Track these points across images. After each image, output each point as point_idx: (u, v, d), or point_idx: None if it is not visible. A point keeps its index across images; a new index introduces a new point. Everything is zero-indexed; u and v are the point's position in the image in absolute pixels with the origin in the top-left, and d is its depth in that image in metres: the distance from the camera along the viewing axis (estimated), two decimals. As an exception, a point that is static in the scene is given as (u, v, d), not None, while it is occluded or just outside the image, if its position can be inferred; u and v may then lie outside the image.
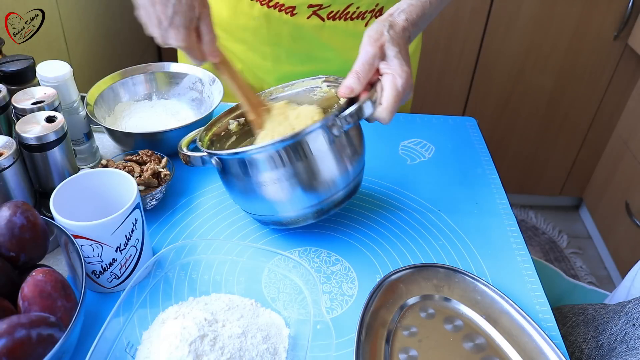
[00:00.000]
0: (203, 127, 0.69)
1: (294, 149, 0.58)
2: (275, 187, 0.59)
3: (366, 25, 0.84)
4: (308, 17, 0.82)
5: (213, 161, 0.61)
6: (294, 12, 0.82)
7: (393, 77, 0.59)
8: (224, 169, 0.62)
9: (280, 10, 0.82)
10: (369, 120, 0.61)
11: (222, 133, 0.70)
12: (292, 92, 0.72)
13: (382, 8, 0.83)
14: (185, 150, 0.65)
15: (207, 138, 0.69)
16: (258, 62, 0.90)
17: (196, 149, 0.65)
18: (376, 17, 0.84)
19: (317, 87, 0.71)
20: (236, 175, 0.61)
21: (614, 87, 1.71)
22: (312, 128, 0.57)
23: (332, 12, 0.82)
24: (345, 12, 0.82)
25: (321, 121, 0.57)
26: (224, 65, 0.64)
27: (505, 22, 1.61)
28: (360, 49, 0.61)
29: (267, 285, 0.61)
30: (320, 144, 0.59)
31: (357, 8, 0.82)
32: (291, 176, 0.59)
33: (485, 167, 0.82)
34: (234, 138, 0.70)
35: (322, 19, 0.82)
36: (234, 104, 0.70)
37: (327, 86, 0.70)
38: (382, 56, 0.60)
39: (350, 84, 0.60)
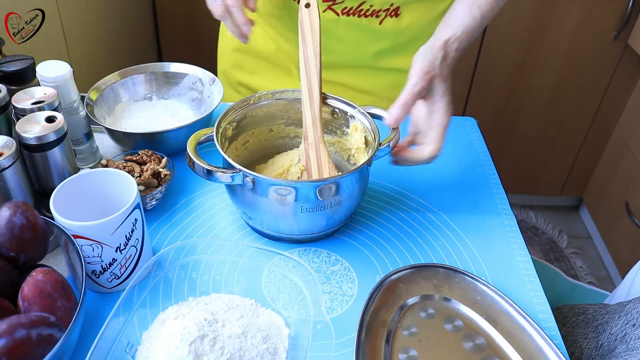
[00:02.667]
0: (216, 135, 0.65)
1: (342, 182, 0.61)
2: (315, 213, 0.62)
3: (380, 23, 0.85)
4: (324, 11, 0.83)
5: (248, 179, 0.60)
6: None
7: (441, 118, 0.63)
8: (255, 189, 0.61)
9: (298, 2, 0.83)
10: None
11: (224, 140, 0.70)
12: (281, 99, 0.73)
13: (397, 8, 0.84)
14: (196, 159, 0.61)
15: (233, 153, 0.72)
16: (285, 46, 0.93)
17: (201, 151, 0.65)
18: (391, 17, 0.84)
19: None
20: (271, 198, 0.61)
21: (614, 87, 1.71)
22: (362, 164, 0.62)
23: (345, 7, 0.83)
24: (358, 9, 0.83)
25: (369, 157, 0.63)
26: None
27: (505, 22, 1.61)
28: (409, 76, 0.64)
29: (267, 285, 0.61)
30: (358, 178, 0.63)
31: (371, 6, 0.83)
32: (333, 204, 0.62)
33: (485, 167, 0.82)
34: (227, 144, 0.70)
35: (337, 14, 0.83)
36: (231, 104, 0.70)
37: (322, 102, 0.72)
38: (429, 89, 0.64)
39: (399, 115, 0.63)
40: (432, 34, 0.93)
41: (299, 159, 0.70)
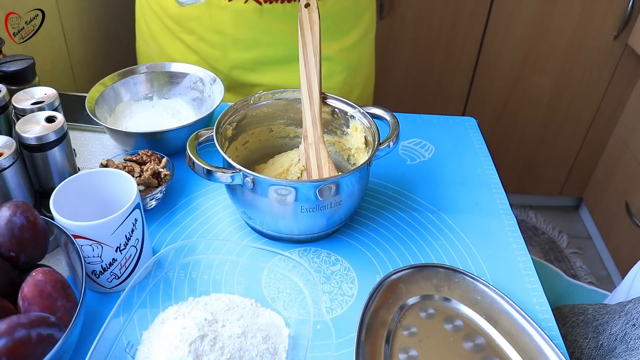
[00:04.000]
0: (216, 135, 0.65)
1: (342, 182, 0.61)
2: (315, 213, 0.62)
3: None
4: (245, 2, 0.82)
5: (248, 179, 0.60)
6: None
7: None
8: (255, 189, 0.61)
9: None
10: None
11: (224, 140, 0.70)
12: (281, 99, 0.73)
13: None
14: (195, 159, 0.61)
15: (233, 153, 0.72)
16: (208, 51, 0.91)
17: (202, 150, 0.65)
18: None
19: None
20: (271, 198, 0.61)
21: (614, 87, 1.71)
22: (362, 164, 0.62)
23: None
24: None
25: (369, 157, 0.63)
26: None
27: (505, 22, 1.61)
28: None
29: (267, 286, 0.61)
30: (358, 178, 0.63)
31: None
32: (333, 204, 0.62)
33: (485, 167, 0.82)
34: (227, 144, 0.70)
35: (260, 3, 0.83)
36: (231, 104, 0.71)
37: (322, 102, 0.72)
38: None
39: None
40: (356, 14, 0.92)
41: (299, 159, 0.70)
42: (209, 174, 0.60)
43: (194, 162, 0.61)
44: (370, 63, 1.03)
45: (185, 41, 0.91)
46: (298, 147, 0.77)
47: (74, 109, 0.86)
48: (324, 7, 0.86)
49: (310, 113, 0.68)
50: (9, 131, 0.68)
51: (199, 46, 0.91)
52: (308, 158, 0.68)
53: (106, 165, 0.69)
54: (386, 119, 0.69)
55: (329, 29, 0.89)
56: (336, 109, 0.72)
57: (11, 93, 0.66)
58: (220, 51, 0.90)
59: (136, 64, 0.86)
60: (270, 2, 0.83)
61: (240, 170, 0.60)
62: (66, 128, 0.63)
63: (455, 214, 0.73)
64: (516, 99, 1.76)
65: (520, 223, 2.01)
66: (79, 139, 0.83)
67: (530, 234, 1.98)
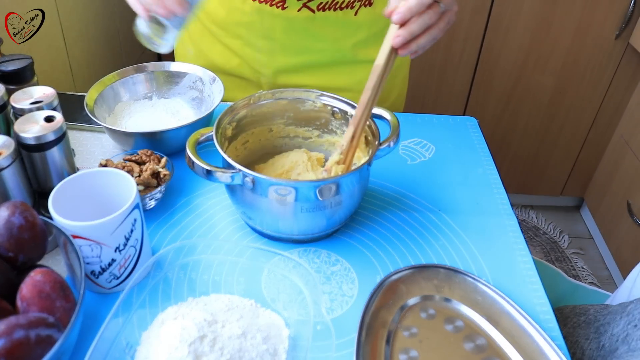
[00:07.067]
0: (215, 135, 0.65)
1: (342, 182, 0.61)
2: (315, 213, 0.62)
3: (355, 14, 0.84)
4: (299, 10, 0.82)
5: (247, 179, 0.60)
6: (285, 5, 0.82)
7: None
8: (255, 189, 0.61)
9: (271, 5, 0.83)
10: None
11: (223, 140, 0.70)
12: (281, 99, 0.73)
13: None
14: (195, 159, 0.60)
15: (232, 153, 0.72)
16: (254, 55, 0.91)
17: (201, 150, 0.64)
18: (365, 6, 0.85)
19: (309, 100, 0.73)
20: (271, 198, 0.60)
21: (616, 87, 1.70)
22: (362, 164, 0.62)
23: (321, 3, 0.82)
24: (334, 3, 0.82)
25: (369, 157, 0.63)
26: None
27: (506, 22, 1.61)
28: None
29: (267, 286, 0.61)
30: (358, 178, 0.63)
31: None
32: (333, 205, 0.62)
33: (486, 167, 0.82)
34: (226, 143, 0.70)
35: (313, 11, 0.83)
36: (231, 103, 0.70)
37: (322, 102, 0.73)
38: None
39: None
40: None
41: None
42: (208, 174, 0.60)
43: (193, 162, 0.60)
44: (407, 64, 1.03)
45: (229, 45, 0.91)
46: (298, 147, 0.77)
47: (73, 109, 0.86)
48: (373, 13, 0.87)
49: (352, 128, 0.64)
50: (8, 131, 0.67)
51: (244, 50, 0.91)
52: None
53: (105, 165, 0.69)
54: (386, 119, 0.69)
55: (379, 32, 0.89)
56: (336, 109, 0.72)
57: (10, 92, 0.66)
58: (267, 56, 0.90)
59: (135, 64, 0.86)
60: (323, 10, 0.83)
61: (240, 170, 0.60)
62: (65, 128, 0.62)
63: (456, 214, 0.73)
64: (517, 98, 1.76)
65: (521, 223, 2.01)
66: (77, 138, 0.83)
67: (531, 234, 1.98)
